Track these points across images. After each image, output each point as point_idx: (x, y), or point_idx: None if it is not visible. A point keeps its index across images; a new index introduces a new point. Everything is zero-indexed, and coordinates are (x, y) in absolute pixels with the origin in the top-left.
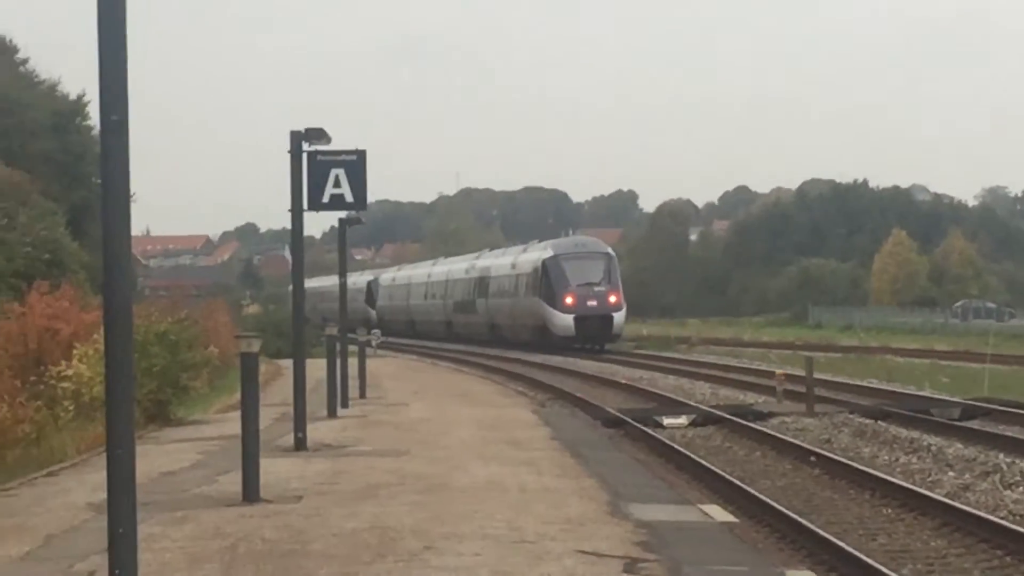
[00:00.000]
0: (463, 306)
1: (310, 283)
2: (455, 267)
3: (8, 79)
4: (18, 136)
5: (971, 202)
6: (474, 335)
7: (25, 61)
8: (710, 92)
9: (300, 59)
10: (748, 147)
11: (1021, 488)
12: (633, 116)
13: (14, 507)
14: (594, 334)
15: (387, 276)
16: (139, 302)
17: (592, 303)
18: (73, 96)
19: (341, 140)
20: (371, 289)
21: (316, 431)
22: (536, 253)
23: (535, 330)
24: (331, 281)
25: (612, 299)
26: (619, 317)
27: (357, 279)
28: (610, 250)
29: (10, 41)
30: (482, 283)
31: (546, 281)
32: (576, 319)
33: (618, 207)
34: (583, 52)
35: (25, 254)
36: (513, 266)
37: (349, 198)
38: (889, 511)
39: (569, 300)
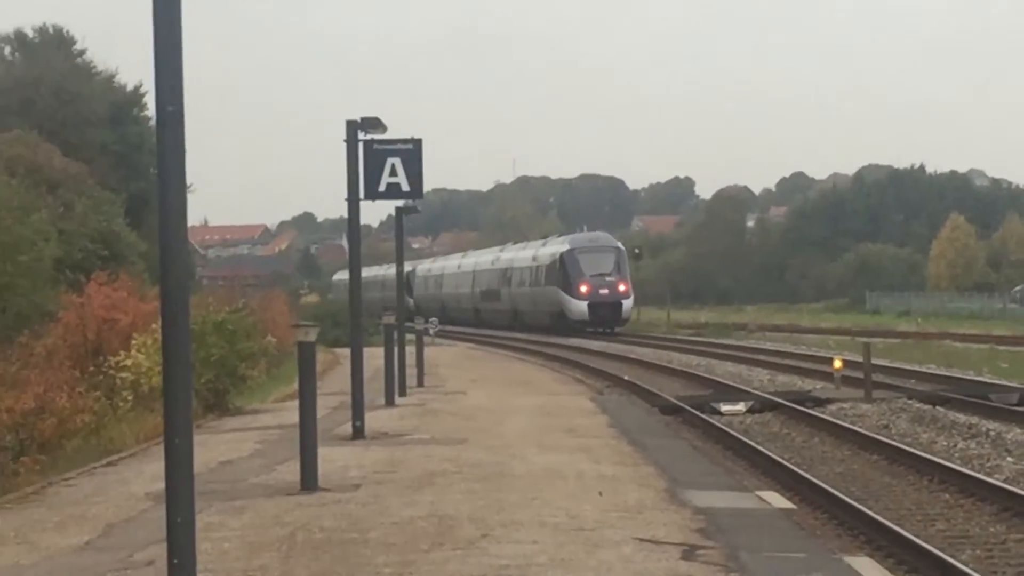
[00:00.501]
0: (488, 295)
1: (372, 272)
2: (482, 259)
3: (65, 70)
4: (76, 127)
5: None
6: (498, 321)
7: (82, 52)
8: (766, 79)
9: (357, 48)
10: (805, 133)
11: None
12: (690, 103)
13: (74, 497)
14: (606, 319)
15: (423, 267)
16: (197, 292)
17: (604, 291)
18: (130, 87)
19: (397, 129)
20: (408, 279)
21: (374, 419)
22: (554, 247)
23: (553, 315)
24: (373, 272)
25: (621, 288)
26: (627, 304)
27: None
28: (620, 244)
29: (67, 33)
30: (505, 274)
31: (563, 272)
32: (590, 305)
33: (675, 194)
34: (641, 40)
35: (83, 247)
36: (534, 258)
37: (405, 187)
38: (948, 497)
39: (584, 288)
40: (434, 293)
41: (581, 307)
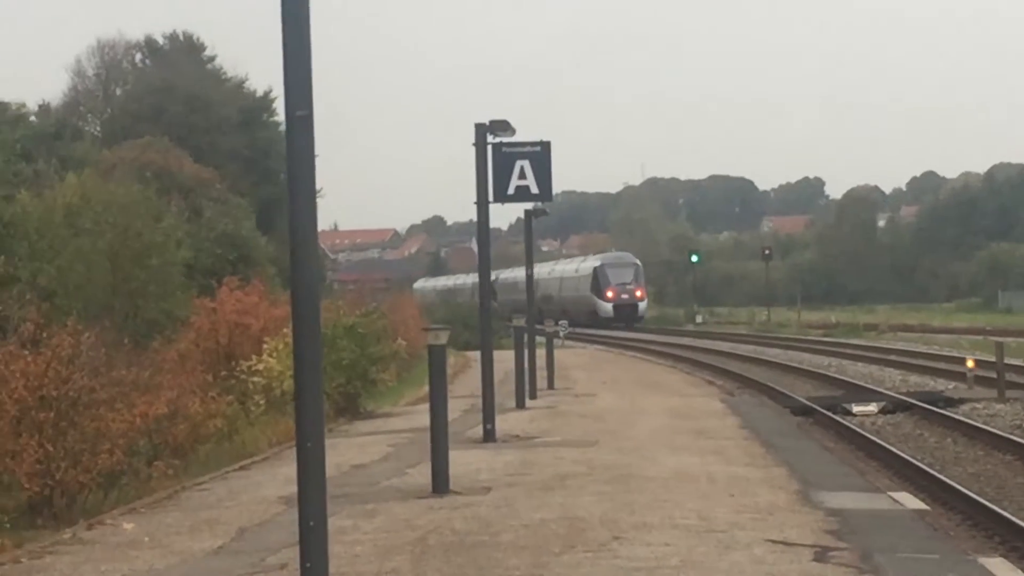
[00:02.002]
0: (545, 298)
1: (455, 280)
2: (541, 270)
3: (196, 77)
4: (206, 133)
5: None
6: (552, 318)
7: (212, 59)
8: (896, 79)
9: (486, 51)
10: (935, 132)
11: None
12: (818, 103)
13: (207, 501)
14: (626, 316)
15: (504, 275)
16: (327, 296)
17: (625, 296)
18: (260, 93)
19: (525, 131)
20: (493, 286)
21: (505, 422)
22: (591, 263)
23: (588, 314)
24: (461, 280)
25: (638, 294)
26: (642, 306)
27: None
28: (638, 261)
29: (197, 39)
30: (557, 282)
31: (596, 282)
32: (614, 307)
33: (805, 194)
34: (769, 41)
35: (213, 252)
36: (576, 271)
37: (534, 189)
38: None
39: (610, 294)
40: (508, 298)
41: (608, 308)
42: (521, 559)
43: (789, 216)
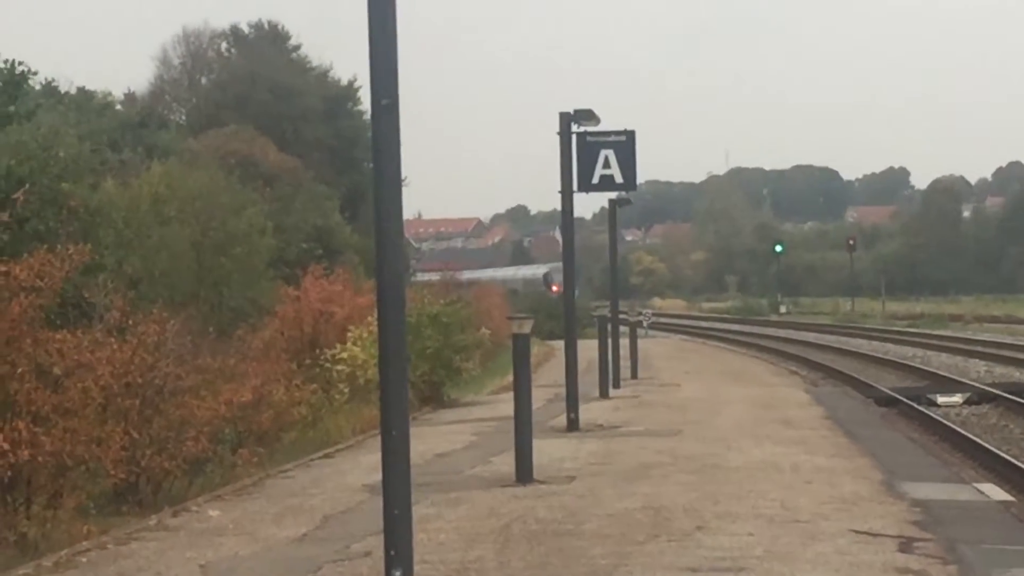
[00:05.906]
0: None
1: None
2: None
3: (280, 66)
4: (291, 123)
5: None
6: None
7: (297, 48)
8: (982, 70)
9: (571, 40)
10: (1021, 122)
11: None
12: (904, 93)
13: (292, 489)
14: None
15: (468, 275)
16: (412, 285)
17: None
18: (344, 81)
19: (610, 121)
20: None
21: (588, 411)
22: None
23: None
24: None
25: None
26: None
27: (516, 272)
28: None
29: (282, 28)
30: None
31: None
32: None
33: (890, 184)
34: (854, 32)
35: (299, 246)
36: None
37: (619, 179)
38: None
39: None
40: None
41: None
42: (605, 548)
43: (874, 206)
